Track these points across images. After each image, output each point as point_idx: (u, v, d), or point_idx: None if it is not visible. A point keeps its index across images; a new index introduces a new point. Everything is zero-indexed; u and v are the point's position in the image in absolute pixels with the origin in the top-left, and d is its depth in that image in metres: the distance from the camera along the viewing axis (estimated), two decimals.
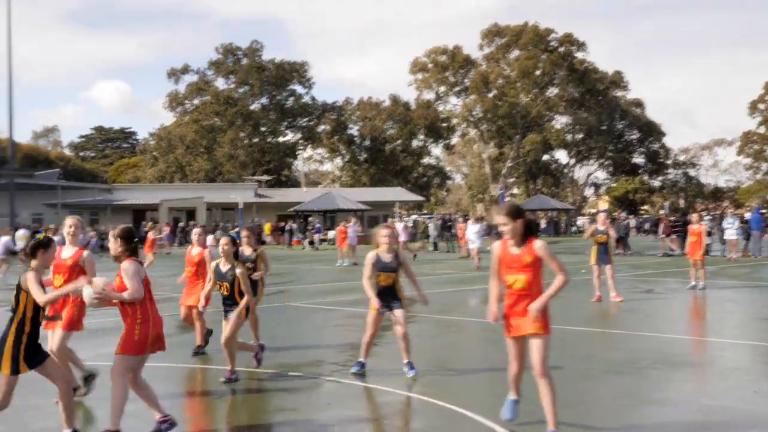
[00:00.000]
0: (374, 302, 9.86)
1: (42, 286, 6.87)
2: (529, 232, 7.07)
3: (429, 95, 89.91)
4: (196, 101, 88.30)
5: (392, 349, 12.48)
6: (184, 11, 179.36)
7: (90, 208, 66.65)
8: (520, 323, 7.04)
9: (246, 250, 11.97)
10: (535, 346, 7.03)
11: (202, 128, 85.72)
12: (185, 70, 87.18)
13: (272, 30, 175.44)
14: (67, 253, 8.80)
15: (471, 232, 31.97)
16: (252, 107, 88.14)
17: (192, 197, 63.94)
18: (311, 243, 53.09)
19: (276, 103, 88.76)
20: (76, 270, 8.59)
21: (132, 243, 7.32)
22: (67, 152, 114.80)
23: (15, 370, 6.80)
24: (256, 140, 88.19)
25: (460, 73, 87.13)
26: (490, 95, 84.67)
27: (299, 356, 11.75)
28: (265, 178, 79.99)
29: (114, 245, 7.28)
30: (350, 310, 17.56)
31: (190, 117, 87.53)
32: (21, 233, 33.72)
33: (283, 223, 63.02)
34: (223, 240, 9.94)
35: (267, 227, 61.25)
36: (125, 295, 7.03)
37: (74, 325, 8.68)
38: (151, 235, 32.96)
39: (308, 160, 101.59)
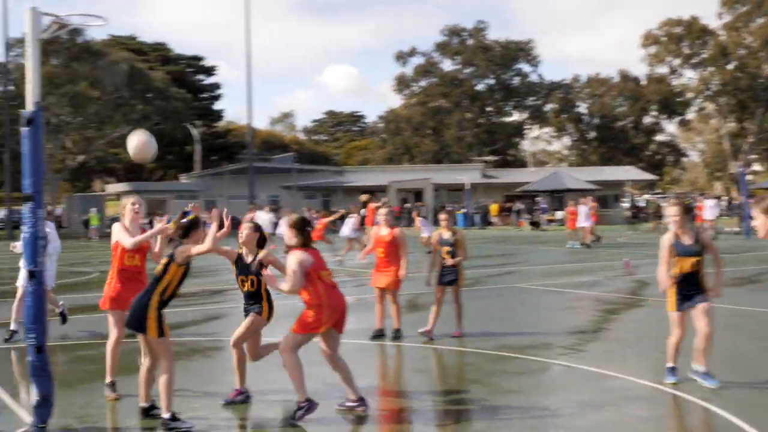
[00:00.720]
0: (670, 302, 8.45)
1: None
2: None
3: (662, 69, 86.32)
4: (422, 83, 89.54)
5: (621, 332, 12.12)
6: None
7: (322, 190, 69.24)
8: None
9: (444, 234, 11.61)
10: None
11: (428, 110, 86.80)
12: (412, 52, 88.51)
13: (497, 9, 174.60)
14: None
15: (708, 209, 31.07)
16: (478, 87, 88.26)
17: (419, 178, 64.97)
18: (534, 224, 52.55)
19: (502, 83, 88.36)
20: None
21: (304, 234, 7.47)
22: (301, 136, 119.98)
23: (161, 333, 7.19)
24: (482, 121, 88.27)
25: (697, 44, 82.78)
26: (730, 66, 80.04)
27: (526, 338, 11.62)
28: (492, 158, 79.97)
29: (288, 235, 7.48)
30: (581, 292, 17.19)
31: (417, 99, 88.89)
32: (262, 215, 35.53)
33: (509, 204, 62.89)
34: (245, 227, 8.29)
35: (494, 208, 61.33)
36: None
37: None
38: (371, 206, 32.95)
39: (535, 139, 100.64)
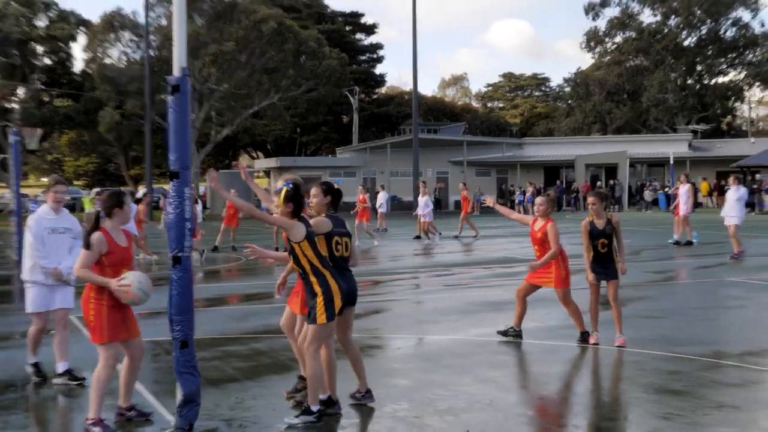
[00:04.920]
0: None
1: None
2: None
3: None
4: (618, 39, 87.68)
5: None
6: None
7: (497, 165, 68.98)
8: None
9: (599, 223, 11.13)
10: None
11: (625, 70, 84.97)
12: (605, 3, 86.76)
13: None
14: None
15: None
16: (685, 42, 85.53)
17: (613, 152, 63.60)
18: (749, 205, 50.49)
19: (715, 35, 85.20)
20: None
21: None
22: (474, 103, 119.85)
23: (331, 317, 7.70)
24: (690, 82, 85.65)
25: None
26: None
27: (743, 343, 11.27)
28: (702, 127, 77.32)
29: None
30: None
31: (610, 58, 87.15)
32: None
33: (723, 182, 60.80)
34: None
35: (704, 186, 59.43)
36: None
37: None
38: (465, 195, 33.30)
39: (758, 104, 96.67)
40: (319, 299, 7.65)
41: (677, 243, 27.16)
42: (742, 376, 9.50)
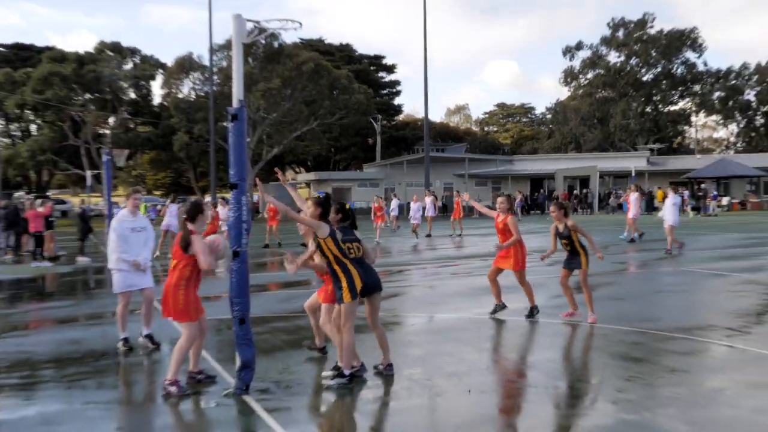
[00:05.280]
0: None
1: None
2: None
3: None
4: (589, 75, 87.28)
5: None
6: None
7: (492, 177, 68.83)
8: None
9: (560, 227, 11.20)
10: None
11: (595, 101, 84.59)
12: (579, 46, 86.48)
13: (658, 3, 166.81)
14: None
15: None
16: (644, 78, 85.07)
17: (586, 166, 63.29)
18: (695, 209, 50.16)
19: (667, 72, 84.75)
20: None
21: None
22: (473, 128, 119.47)
23: (354, 296, 7.75)
24: (648, 110, 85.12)
25: None
26: None
27: (692, 319, 11.21)
28: (657, 146, 76.74)
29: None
30: (746, 276, 16.36)
31: (583, 90, 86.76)
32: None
33: (674, 191, 60.36)
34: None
35: (659, 194, 59.03)
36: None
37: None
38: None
39: (702, 127, 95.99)
40: (344, 283, 7.73)
41: (632, 240, 26.90)
42: (690, 346, 9.45)
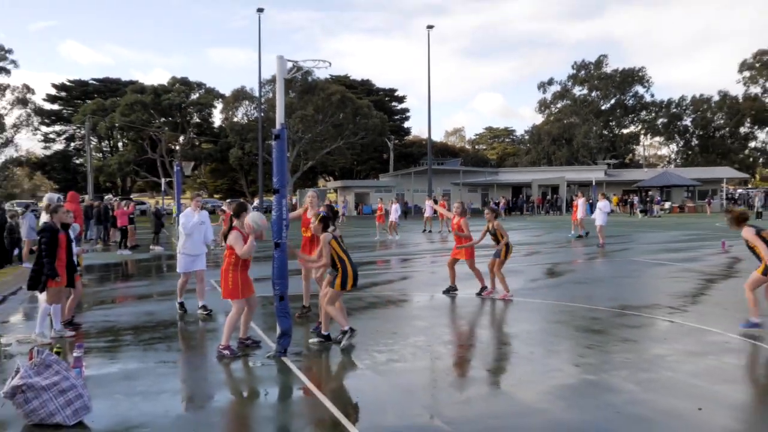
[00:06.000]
0: None
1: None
2: None
3: (756, 89, 79.87)
4: (559, 105, 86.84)
5: (719, 297, 11.32)
6: (541, 42, 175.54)
7: (482, 185, 68.53)
8: None
9: (490, 227, 11.60)
10: None
11: (563, 125, 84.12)
12: (550, 82, 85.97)
13: (612, 46, 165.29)
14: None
15: None
16: (602, 107, 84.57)
17: (556, 176, 62.92)
18: (643, 212, 49.81)
19: (621, 103, 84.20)
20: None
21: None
22: (466, 146, 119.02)
23: (343, 289, 7.92)
24: (605, 132, 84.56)
25: None
26: None
27: (640, 299, 11.11)
28: (613, 161, 76.25)
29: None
30: (684, 265, 16.21)
31: (554, 117, 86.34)
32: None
33: (626, 197, 60.28)
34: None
35: (614, 199, 58.73)
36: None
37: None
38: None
39: (648, 146, 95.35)
40: (339, 274, 7.88)
41: (580, 236, 26.55)
42: (639, 321, 9.36)
